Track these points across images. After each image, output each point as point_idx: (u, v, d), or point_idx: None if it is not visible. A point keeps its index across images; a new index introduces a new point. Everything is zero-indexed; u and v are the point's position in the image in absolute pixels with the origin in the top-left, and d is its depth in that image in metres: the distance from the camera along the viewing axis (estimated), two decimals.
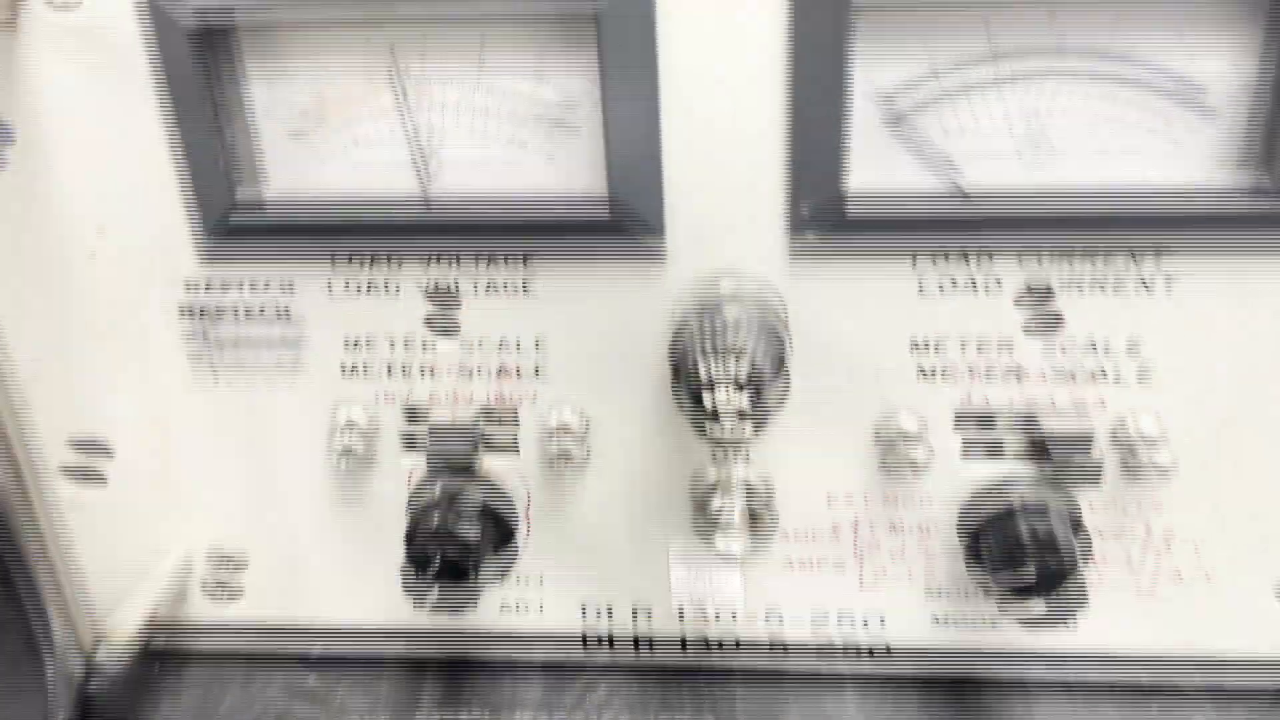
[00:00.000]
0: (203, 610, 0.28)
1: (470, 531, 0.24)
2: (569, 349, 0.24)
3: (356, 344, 0.25)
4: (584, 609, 0.27)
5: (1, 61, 0.22)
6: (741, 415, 0.21)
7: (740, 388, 0.21)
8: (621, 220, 0.22)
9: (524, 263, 0.23)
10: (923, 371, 0.23)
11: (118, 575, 0.27)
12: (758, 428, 0.21)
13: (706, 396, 0.21)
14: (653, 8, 0.21)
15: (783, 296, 0.23)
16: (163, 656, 0.28)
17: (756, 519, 0.25)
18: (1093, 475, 0.22)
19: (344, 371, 0.25)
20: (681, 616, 0.27)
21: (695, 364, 0.21)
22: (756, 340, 0.21)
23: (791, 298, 0.23)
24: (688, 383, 0.21)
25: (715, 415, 0.21)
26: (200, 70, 0.22)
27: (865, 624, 0.26)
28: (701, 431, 0.21)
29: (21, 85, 0.22)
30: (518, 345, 0.24)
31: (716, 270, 0.23)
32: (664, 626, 0.27)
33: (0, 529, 0.28)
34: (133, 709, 0.28)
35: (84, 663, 0.27)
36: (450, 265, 0.24)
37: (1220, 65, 0.21)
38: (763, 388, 0.21)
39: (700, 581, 0.27)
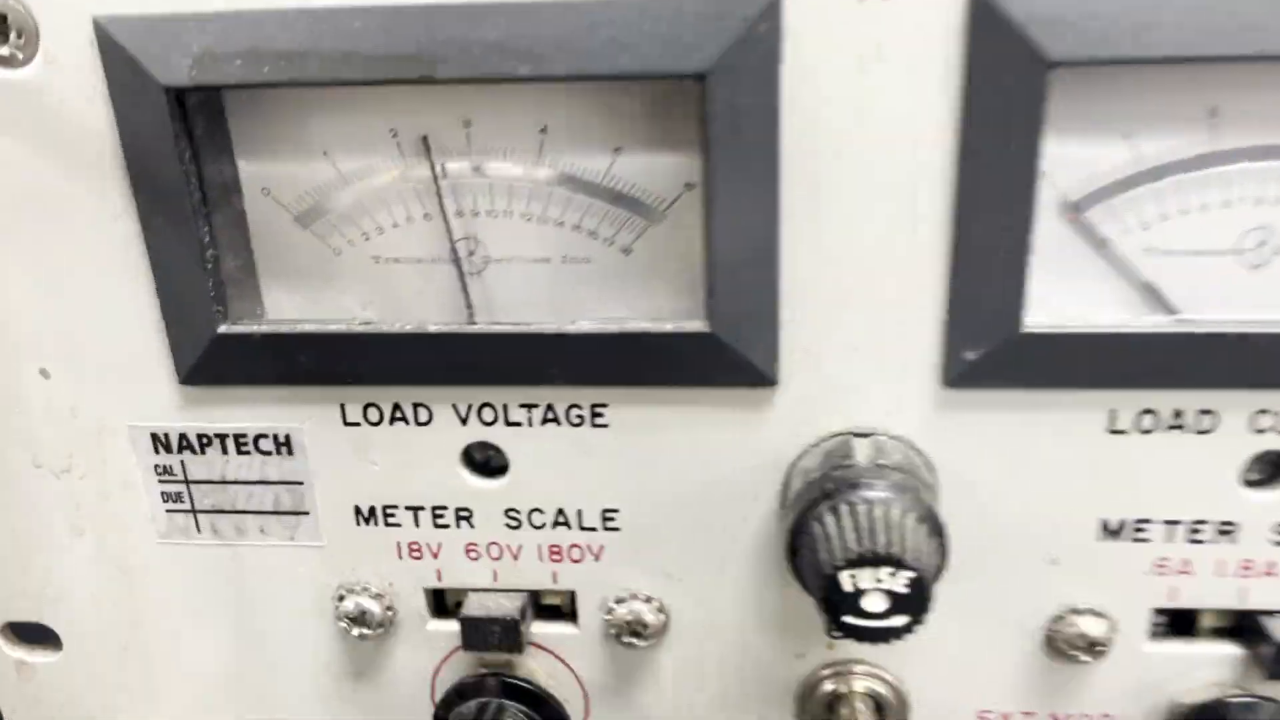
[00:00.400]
0: None
1: None
2: (643, 509, 0.19)
3: (373, 485, 0.19)
4: None
5: None
6: (898, 619, 0.16)
7: (898, 603, 0.16)
8: (726, 355, 0.17)
9: (595, 408, 0.18)
10: (1111, 552, 0.18)
11: None
12: (914, 624, 0.16)
13: (851, 611, 0.15)
14: (777, 67, 0.16)
15: (930, 461, 0.18)
16: None
17: (883, 711, 0.20)
18: None
19: (357, 516, 0.20)
20: None
21: (835, 570, 0.16)
22: (915, 533, 0.16)
23: (944, 462, 0.18)
24: (828, 593, 0.16)
25: (869, 632, 0.16)
26: (178, 143, 0.17)
27: None
28: (840, 633, 0.16)
29: None
30: (581, 517, 0.19)
31: (849, 426, 0.18)
32: None
33: None
34: None
35: None
36: (496, 395, 0.19)
37: None
38: (925, 591, 0.16)
39: None
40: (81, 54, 0.17)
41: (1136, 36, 0.15)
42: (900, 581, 0.16)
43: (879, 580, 0.16)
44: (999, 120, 0.16)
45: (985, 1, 0.16)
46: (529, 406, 0.19)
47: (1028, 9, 0.15)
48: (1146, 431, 0.18)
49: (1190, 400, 0.18)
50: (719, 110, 0.16)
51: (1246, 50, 0.15)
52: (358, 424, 0.20)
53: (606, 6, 0.16)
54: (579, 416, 0.19)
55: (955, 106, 0.16)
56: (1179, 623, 0.20)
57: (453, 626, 0.21)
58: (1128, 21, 0.15)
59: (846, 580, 0.16)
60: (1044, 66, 0.16)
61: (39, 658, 0.22)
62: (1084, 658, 0.20)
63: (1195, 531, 0.19)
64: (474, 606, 0.20)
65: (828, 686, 0.20)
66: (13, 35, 0.17)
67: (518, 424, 0.19)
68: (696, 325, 0.18)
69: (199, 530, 0.21)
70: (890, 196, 0.17)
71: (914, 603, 0.16)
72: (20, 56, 0.17)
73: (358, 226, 0.19)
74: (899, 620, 0.16)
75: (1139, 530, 0.19)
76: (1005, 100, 0.16)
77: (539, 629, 0.21)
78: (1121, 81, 0.16)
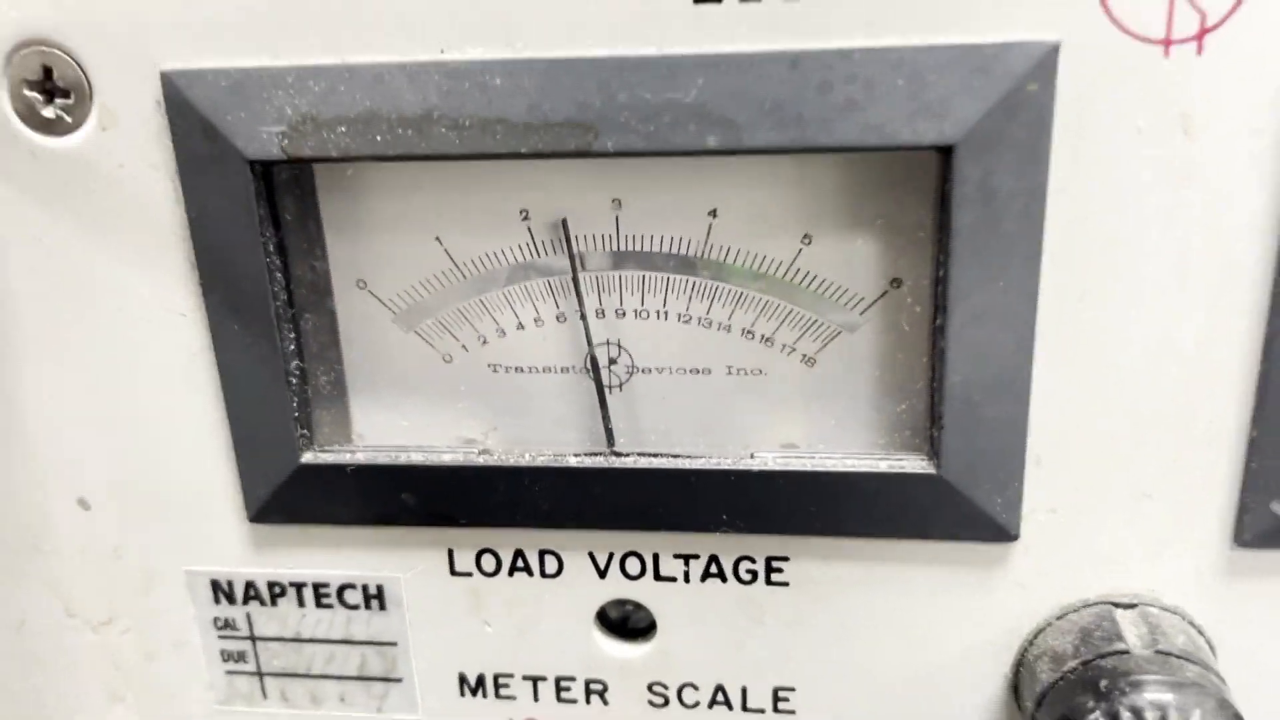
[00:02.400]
0: None
1: None
2: (827, 692, 0.15)
3: (486, 648, 0.16)
4: None
5: None
6: None
7: None
8: (955, 501, 0.13)
9: (771, 564, 0.14)
10: None
11: None
12: None
13: None
14: (1047, 139, 0.12)
15: (1213, 641, 0.14)
16: None
17: None
18: None
19: (463, 688, 0.16)
20: None
21: None
22: None
23: (1227, 642, 0.14)
24: None
25: None
26: (262, 228, 0.13)
27: None
28: None
29: None
30: (746, 698, 0.15)
31: (1111, 592, 0.14)
32: None
33: None
34: None
35: None
36: (644, 542, 0.15)
37: None
38: None
39: None
40: (144, 118, 0.14)
41: None
42: None
43: None
44: None
45: None
46: (686, 558, 0.15)
47: None
48: None
49: None
50: (968, 191, 0.12)
51: None
52: (469, 574, 0.16)
53: (827, 60, 0.12)
54: (750, 572, 0.16)
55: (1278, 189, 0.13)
56: None
57: None
58: None
59: None
60: None
61: None
62: None
63: None
64: None
65: None
66: (58, 95, 0.14)
67: (670, 579, 0.16)
68: (917, 464, 0.14)
69: (265, 696, 0.17)
70: (1180, 307, 0.13)
71: None
72: (68, 120, 0.14)
73: (474, 328, 0.15)
74: None
75: None
76: None
77: None
78: None
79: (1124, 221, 0.13)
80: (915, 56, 0.12)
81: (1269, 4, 0.12)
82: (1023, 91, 0.12)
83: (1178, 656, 0.14)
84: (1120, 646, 0.14)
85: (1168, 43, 0.13)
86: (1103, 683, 0.13)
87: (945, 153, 0.13)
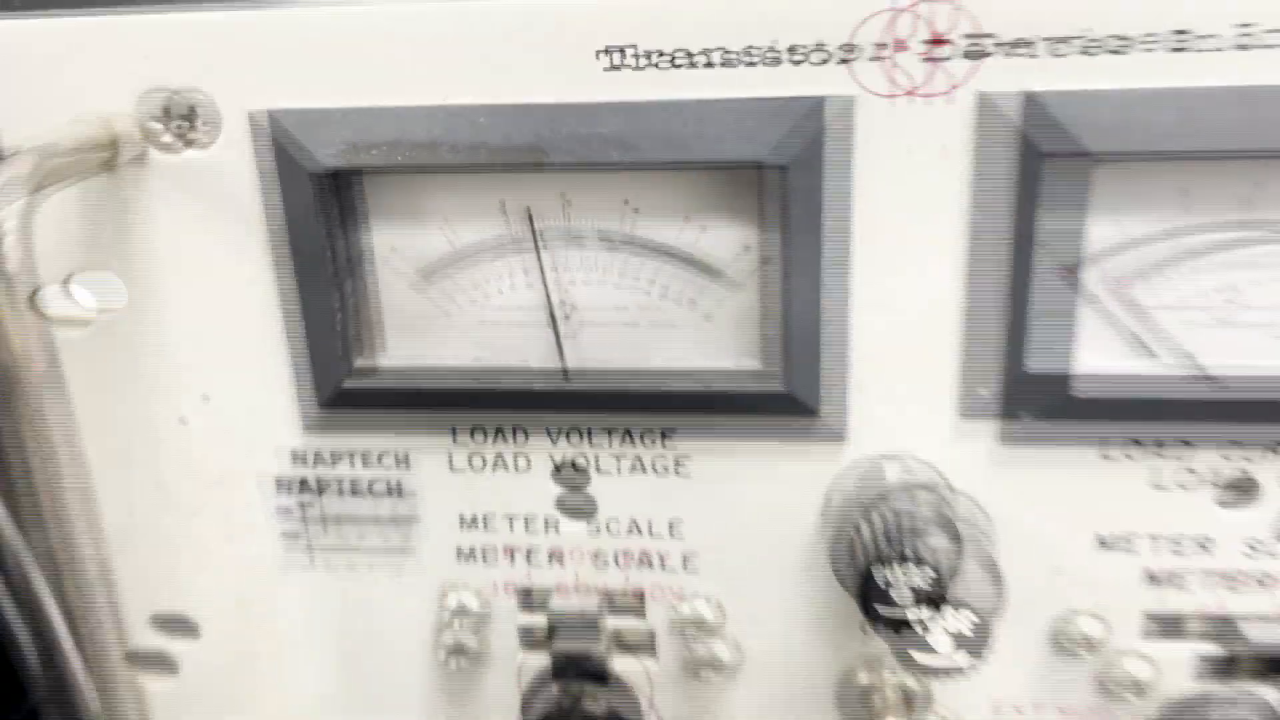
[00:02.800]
0: None
1: None
2: (713, 536, 0.22)
3: (475, 524, 0.23)
4: None
5: (104, 213, 0.21)
6: (921, 610, 0.19)
7: (921, 596, 0.19)
8: (781, 393, 0.21)
9: (664, 439, 0.22)
10: (1106, 563, 0.21)
11: None
12: (935, 615, 0.19)
13: (883, 603, 0.19)
14: (820, 165, 0.19)
15: (951, 484, 0.21)
16: None
17: (910, 702, 0.23)
18: None
19: (459, 555, 0.23)
20: None
21: (872, 569, 0.19)
22: (935, 539, 0.19)
23: (966, 486, 0.21)
24: (863, 587, 0.19)
25: (893, 621, 0.19)
26: (324, 215, 0.20)
27: None
28: (874, 623, 0.19)
29: (114, 239, 0.21)
30: (651, 528, 0.22)
31: (881, 452, 0.21)
32: None
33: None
34: None
35: None
36: (586, 440, 0.22)
37: None
38: (943, 587, 0.19)
39: None
40: (239, 140, 0.21)
41: (1126, 139, 0.19)
42: (924, 578, 0.19)
43: (908, 576, 0.19)
44: (1035, 209, 0.19)
45: (1040, 108, 0.19)
46: (611, 439, 0.22)
47: (1066, 110, 0.19)
48: (1131, 458, 0.21)
49: (1168, 432, 0.21)
50: (795, 195, 0.20)
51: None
52: (463, 469, 0.23)
53: (687, 106, 0.20)
54: (664, 467, 0.22)
55: (967, 185, 0.20)
56: (1168, 625, 0.23)
57: (541, 660, 0.23)
58: (1117, 123, 0.19)
59: (881, 576, 0.19)
60: (1086, 161, 0.19)
61: (160, 686, 0.25)
62: (1084, 654, 0.23)
63: (1177, 545, 0.22)
64: (557, 608, 0.23)
65: (863, 679, 0.23)
66: (199, 123, 0.21)
67: (607, 473, 0.22)
68: (757, 365, 0.21)
69: (313, 565, 0.24)
70: (912, 272, 0.20)
71: (935, 597, 0.19)
72: (205, 140, 0.21)
73: (466, 292, 0.22)
74: (924, 611, 0.20)
75: (1129, 544, 0.22)
76: (1047, 191, 0.19)
77: (615, 621, 0.23)
78: (1108, 173, 0.20)
79: (902, 215, 0.20)
80: (741, 105, 0.19)
81: (992, 73, 0.19)
82: (818, 127, 0.20)
83: (920, 487, 0.21)
84: (882, 483, 0.21)
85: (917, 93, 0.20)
86: (866, 501, 0.21)
87: (781, 170, 0.19)
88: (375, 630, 0.24)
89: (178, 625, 0.24)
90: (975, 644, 0.19)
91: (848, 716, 0.23)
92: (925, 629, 0.19)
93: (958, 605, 0.19)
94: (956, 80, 0.19)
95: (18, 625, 0.22)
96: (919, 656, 0.20)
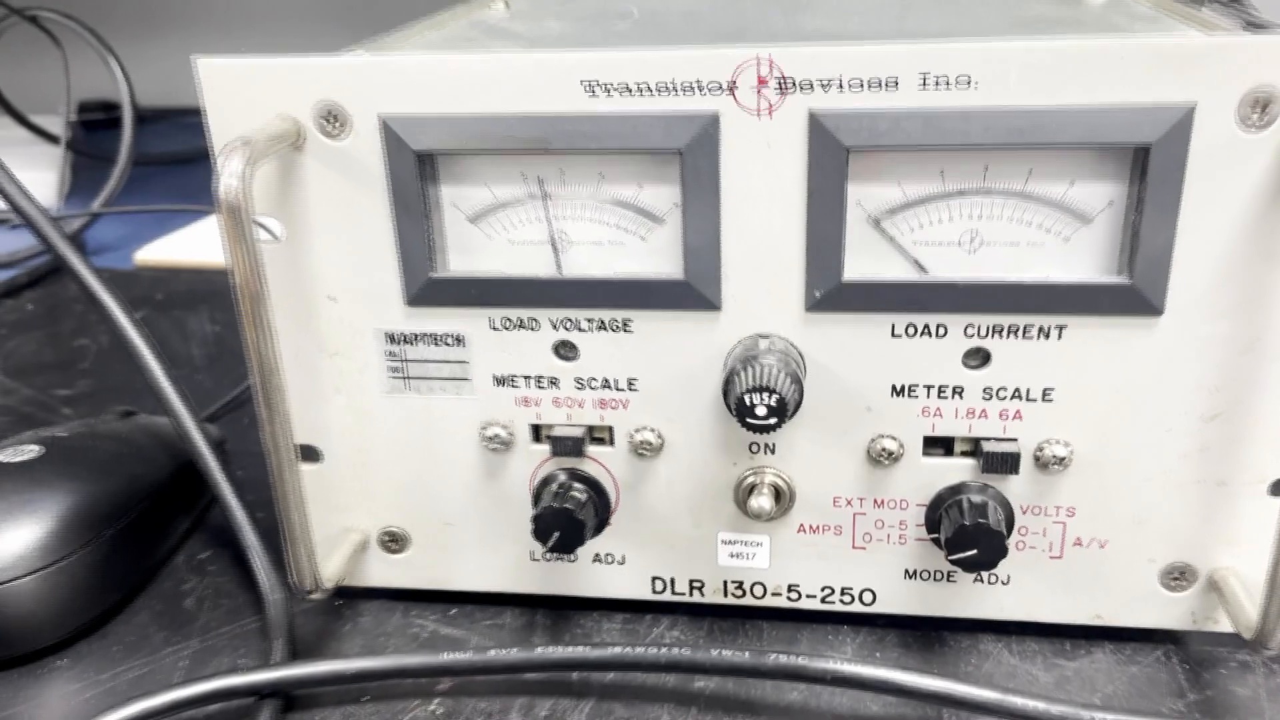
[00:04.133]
0: (373, 566, 0.39)
1: (581, 512, 0.35)
2: (653, 383, 0.34)
3: (505, 362, 0.34)
4: (653, 581, 0.38)
5: (285, 176, 0.33)
6: (771, 419, 0.31)
7: (771, 410, 0.31)
8: (693, 293, 0.33)
9: (624, 321, 0.33)
10: (898, 403, 0.34)
11: (321, 539, 0.38)
12: (780, 424, 0.31)
13: (749, 415, 0.31)
14: (718, 150, 0.31)
15: (801, 351, 0.33)
16: (345, 594, 0.39)
17: (780, 495, 0.35)
18: (1014, 466, 0.33)
19: (495, 382, 0.35)
20: (725, 591, 0.37)
21: (744, 395, 0.31)
22: (783, 380, 0.31)
23: (807, 352, 0.33)
24: (739, 407, 0.32)
25: (755, 426, 0.31)
26: (417, 179, 0.33)
27: (857, 581, 0.36)
28: (746, 427, 0.32)
29: (293, 193, 0.34)
30: (615, 381, 0.34)
31: (756, 331, 0.33)
32: (713, 599, 0.37)
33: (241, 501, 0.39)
34: (323, 629, 0.38)
35: (290, 600, 0.37)
36: (574, 316, 0.34)
37: (1098, 196, 0.31)
38: (787, 407, 0.31)
39: (739, 559, 0.37)
40: (371, 131, 0.32)
41: (888, 135, 0.31)
42: (773, 400, 0.32)
43: (764, 398, 0.32)
44: (825, 178, 0.32)
45: (822, 126, 0.31)
46: (590, 321, 0.35)
47: (835, 123, 0.31)
48: (911, 335, 0.33)
49: (931, 319, 0.33)
50: (690, 169, 0.31)
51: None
52: (498, 329, 0.35)
53: (640, 116, 0.32)
54: (616, 326, 0.35)
55: (804, 166, 0.32)
56: (941, 444, 0.34)
57: (544, 447, 0.36)
58: (874, 127, 0.31)
59: (748, 399, 0.32)
60: (845, 152, 0.31)
61: (309, 468, 0.38)
62: (886, 464, 0.35)
63: (941, 390, 0.34)
64: (557, 432, 0.35)
65: (749, 480, 0.36)
66: (337, 122, 0.34)
67: (586, 331, 0.35)
68: (679, 275, 0.33)
69: (407, 389, 0.37)
70: (773, 213, 0.31)
71: (780, 413, 0.32)
72: (342, 133, 0.34)
73: (502, 227, 0.35)
74: (773, 420, 0.32)
75: (912, 391, 0.34)
76: (827, 170, 0.31)
77: (594, 449, 0.35)
78: (892, 158, 0.32)
79: (748, 182, 0.31)
80: (670, 115, 0.31)
81: (805, 101, 0.31)
82: (714, 129, 0.32)
83: (778, 351, 0.33)
84: (756, 347, 0.33)
85: (768, 110, 0.32)
86: (744, 358, 0.33)
87: (691, 154, 0.31)
88: (445, 431, 0.35)
89: (320, 431, 0.37)
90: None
91: (738, 501, 0.36)
92: (769, 425, 0.32)
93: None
94: (786, 103, 0.30)
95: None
96: (763, 436, 0.32)
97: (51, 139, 0.98)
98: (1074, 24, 0.39)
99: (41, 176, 0.89)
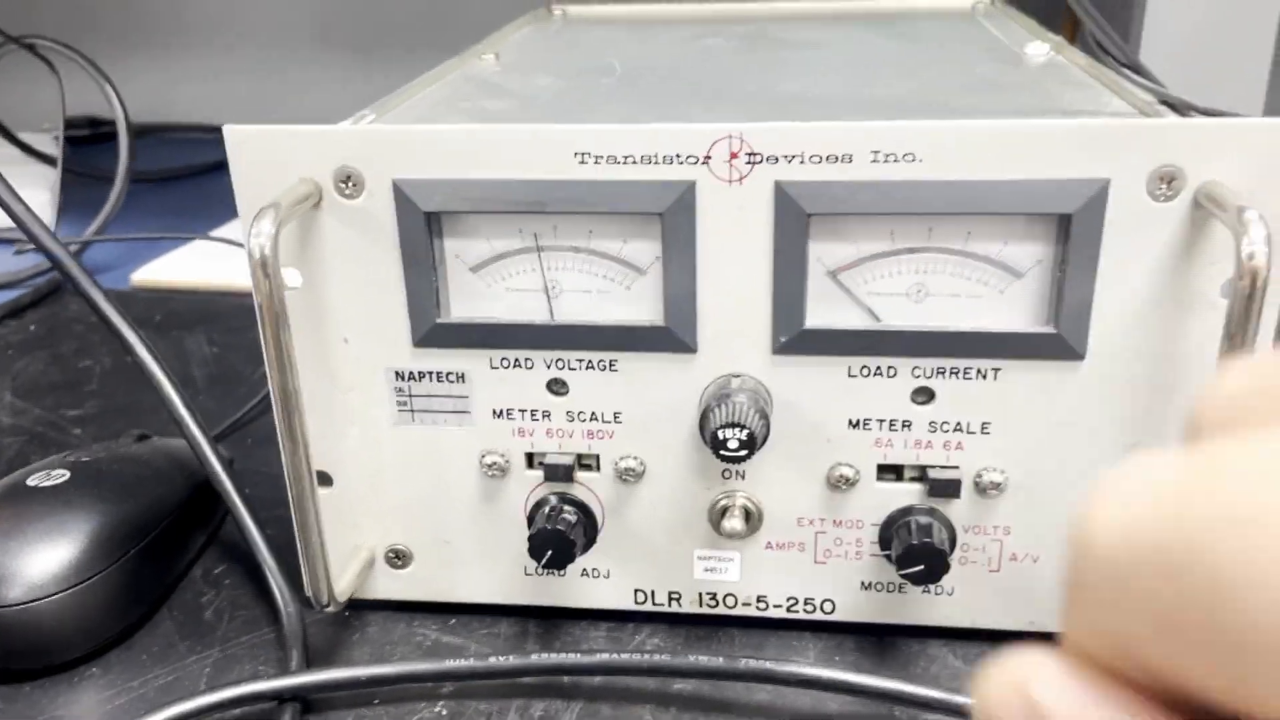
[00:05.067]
0: (380, 580, 0.42)
1: (571, 532, 0.38)
2: (636, 416, 0.37)
3: (503, 397, 0.38)
4: (635, 593, 0.42)
5: (305, 230, 0.37)
6: (743, 451, 0.35)
7: (742, 444, 0.35)
8: (672, 337, 0.37)
9: (610, 362, 0.37)
10: (854, 435, 0.38)
11: (333, 556, 0.41)
12: (749, 456, 0.35)
13: (723, 447, 0.35)
14: (695, 214, 0.35)
15: (769, 389, 0.37)
16: (353, 606, 0.43)
17: (750, 516, 0.39)
18: (956, 491, 0.37)
19: (493, 415, 0.38)
20: (701, 602, 0.41)
21: (718, 430, 0.35)
22: (752, 416, 0.35)
23: (774, 390, 0.37)
24: (713, 441, 0.36)
25: (729, 457, 0.35)
26: (425, 235, 0.37)
27: (818, 593, 0.40)
28: (719, 459, 0.36)
29: (312, 246, 0.37)
30: (602, 415, 0.37)
31: (729, 371, 0.37)
32: (689, 609, 0.41)
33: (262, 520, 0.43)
34: (334, 639, 0.42)
35: (304, 612, 0.41)
36: (565, 357, 0.38)
37: (1028, 255, 0.35)
38: (756, 440, 0.35)
39: (713, 573, 0.41)
40: (386, 194, 0.36)
41: (844, 202, 0.35)
42: (744, 435, 0.36)
43: (735, 433, 0.36)
44: (789, 238, 0.36)
45: (786, 194, 0.36)
46: (579, 361, 0.39)
47: (797, 192, 0.35)
48: (865, 376, 0.38)
49: (883, 362, 0.37)
50: (670, 229, 0.36)
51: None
52: (496, 368, 0.39)
53: (624, 183, 0.36)
54: (603, 366, 0.39)
55: (770, 228, 0.36)
56: (892, 471, 0.39)
57: (538, 473, 0.40)
58: (831, 195, 0.35)
59: (722, 434, 0.36)
60: (805, 216, 0.35)
61: (322, 491, 0.42)
62: (844, 488, 0.40)
63: (892, 424, 0.38)
64: (549, 460, 0.39)
65: (723, 503, 0.40)
66: (353, 184, 0.37)
67: (575, 369, 0.39)
68: (660, 321, 0.37)
69: (414, 421, 0.40)
70: (743, 268, 0.35)
71: (749, 445, 0.36)
72: (356, 194, 0.37)
73: (500, 276, 0.39)
74: (744, 452, 0.36)
75: (867, 425, 0.38)
76: (791, 232, 0.35)
77: (582, 475, 0.40)
78: (848, 220, 0.36)
79: (719, 240, 0.35)
80: (651, 182, 0.35)
81: (769, 172, 0.35)
82: (691, 195, 0.36)
83: (747, 390, 0.38)
84: (729, 386, 0.38)
85: (739, 180, 0.36)
86: (719, 395, 0.37)
87: (671, 216, 0.35)
88: (448, 459, 0.38)
89: (334, 460, 0.41)
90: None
91: (712, 521, 0.40)
92: (740, 456, 0.36)
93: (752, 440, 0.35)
94: (754, 173, 0.35)
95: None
96: (735, 465, 0.36)
97: (44, 159, 1.01)
98: (1013, 88, 0.43)
99: (36, 196, 0.91)
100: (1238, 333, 0.30)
